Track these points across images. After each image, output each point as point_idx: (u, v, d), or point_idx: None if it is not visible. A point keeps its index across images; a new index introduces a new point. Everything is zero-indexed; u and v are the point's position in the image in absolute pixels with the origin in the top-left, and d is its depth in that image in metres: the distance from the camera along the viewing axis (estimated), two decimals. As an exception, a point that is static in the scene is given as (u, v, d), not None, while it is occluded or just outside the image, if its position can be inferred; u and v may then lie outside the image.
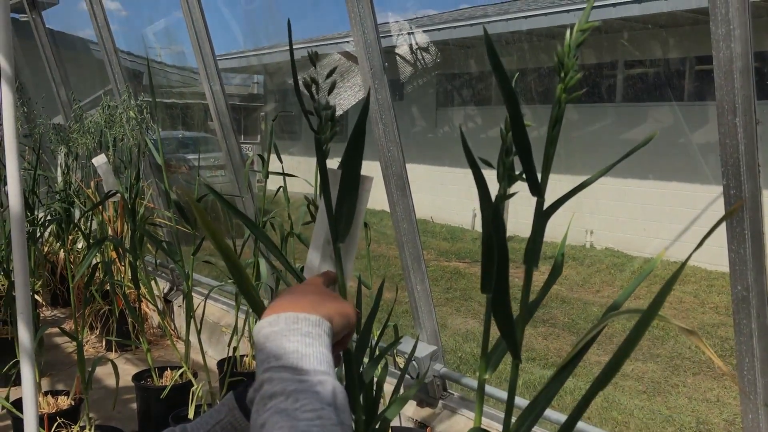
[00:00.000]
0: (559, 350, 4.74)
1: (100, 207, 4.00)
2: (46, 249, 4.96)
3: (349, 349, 0.93)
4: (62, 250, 4.77)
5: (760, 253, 1.67)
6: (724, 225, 1.72)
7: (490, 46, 0.64)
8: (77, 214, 4.01)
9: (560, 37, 0.67)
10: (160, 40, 7.10)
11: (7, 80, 1.90)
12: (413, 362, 2.74)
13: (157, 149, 2.92)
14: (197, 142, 7.86)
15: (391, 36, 8.63)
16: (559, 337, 5.08)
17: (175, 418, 2.80)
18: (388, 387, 2.01)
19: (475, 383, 2.54)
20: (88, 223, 4.14)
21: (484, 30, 0.66)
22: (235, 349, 3.10)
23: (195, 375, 3.05)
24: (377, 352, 1.37)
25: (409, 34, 9.13)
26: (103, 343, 4.20)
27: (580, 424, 2.35)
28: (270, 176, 2.82)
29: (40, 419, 2.38)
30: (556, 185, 0.71)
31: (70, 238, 4.65)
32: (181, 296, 4.29)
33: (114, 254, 4.06)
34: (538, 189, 0.69)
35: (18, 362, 2.22)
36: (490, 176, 0.72)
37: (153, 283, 3.56)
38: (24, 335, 1.97)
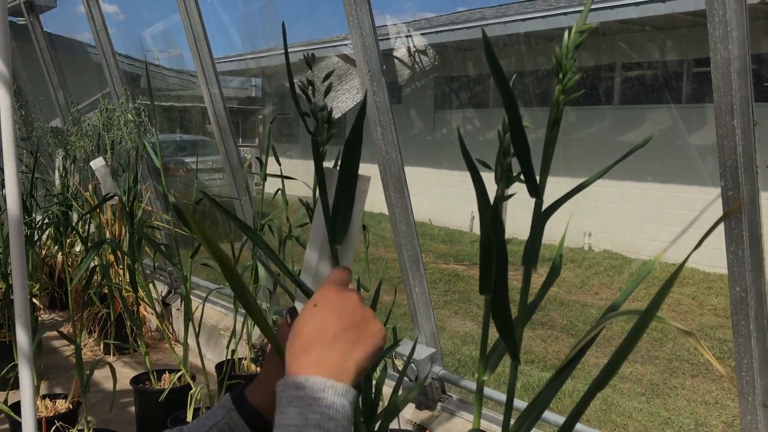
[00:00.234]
0: (557, 353, 4.74)
1: (98, 210, 3.99)
2: (44, 252, 4.96)
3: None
4: (60, 253, 4.77)
5: (758, 255, 1.67)
6: (722, 226, 1.72)
7: (488, 47, 0.64)
8: (75, 217, 4.01)
9: (558, 39, 0.67)
10: (158, 43, 7.10)
11: (4, 83, 1.90)
12: (412, 364, 2.74)
13: (155, 152, 2.92)
14: (195, 145, 7.86)
15: (389, 39, 8.64)
16: (558, 339, 5.08)
17: (173, 421, 2.80)
18: (387, 389, 2.01)
19: (473, 386, 2.54)
20: (86, 226, 4.14)
21: (482, 32, 0.66)
22: (233, 352, 3.10)
23: (193, 378, 3.04)
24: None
25: (407, 37, 9.14)
26: (102, 346, 4.19)
27: (580, 426, 2.35)
28: (268, 179, 2.83)
29: (39, 423, 2.37)
30: (555, 187, 0.72)
31: (68, 241, 4.65)
32: (180, 299, 4.29)
33: (112, 257, 4.06)
34: (536, 190, 0.69)
35: (16, 365, 2.21)
36: (489, 179, 0.72)
37: (151, 286, 3.56)
38: (22, 338, 1.96)
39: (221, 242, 5.04)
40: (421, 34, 9.26)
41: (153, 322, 4.35)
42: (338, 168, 0.83)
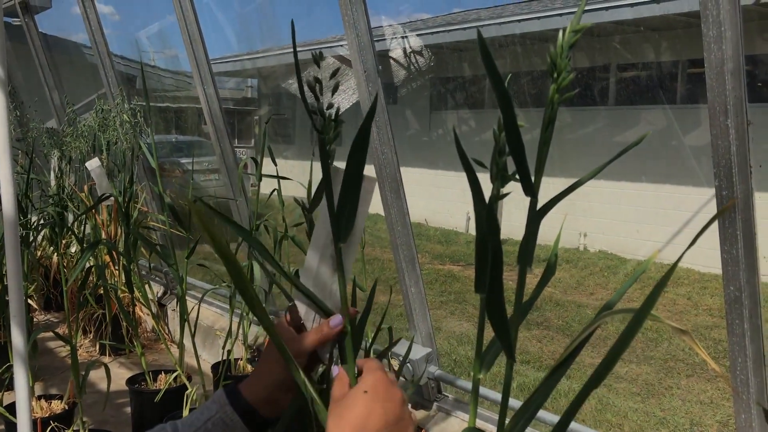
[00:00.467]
0: (553, 353, 4.75)
1: (94, 210, 3.99)
2: (39, 253, 4.95)
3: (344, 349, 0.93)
4: (55, 254, 4.76)
5: (752, 254, 1.68)
6: (716, 226, 1.73)
7: (482, 45, 0.64)
8: (71, 218, 4.00)
9: (553, 41, 0.68)
10: (153, 44, 7.10)
11: (0, 84, 1.89)
12: (408, 364, 2.74)
13: (151, 152, 2.92)
14: (191, 146, 7.86)
15: (384, 40, 8.65)
16: (553, 339, 5.09)
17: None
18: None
19: (469, 385, 2.54)
20: (82, 227, 4.13)
21: (478, 31, 0.66)
22: (229, 352, 3.10)
23: (189, 378, 3.04)
24: (372, 355, 1.38)
25: (402, 37, 9.15)
26: (97, 347, 4.18)
27: (576, 426, 2.36)
28: (264, 179, 2.83)
29: (34, 423, 2.37)
30: (550, 188, 0.72)
31: (64, 242, 4.64)
32: (175, 300, 4.28)
33: (108, 258, 4.05)
34: (531, 189, 0.70)
35: (11, 366, 2.21)
36: (484, 180, 0.73)
37: (147, 286, 3.56)
38: (17, 339, 1.96)
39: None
40: (417, 35, 9.27)
41: (149, 322, 4.35)
42: (344, 168, 0.83)
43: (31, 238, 4.03)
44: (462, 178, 0.74)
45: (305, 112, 0.85)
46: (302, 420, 1.60)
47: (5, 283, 2.92)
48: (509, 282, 0.73)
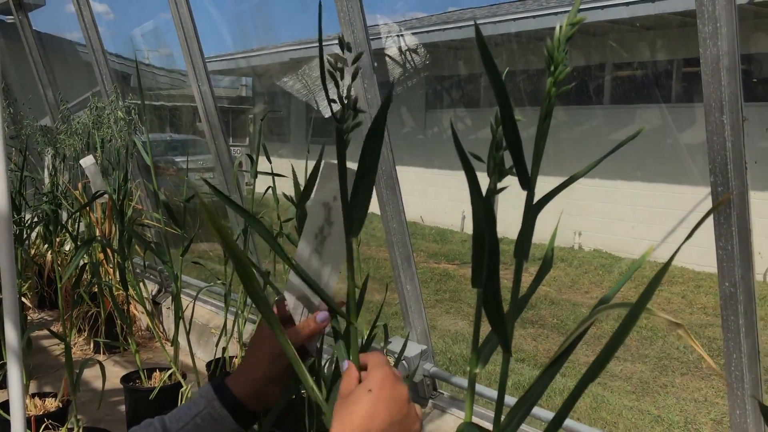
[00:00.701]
0: (548, 351, 4.75)
1: (88, 208, 3.97)
2: (33, 251, 4.93)
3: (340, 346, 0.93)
4: (49, 252, 4.75)
5: (747, 250, 1.68)
6: (712, 223, 1.73)
7: (480, 40, 0.64)
8: (65, 215, 3.99)
9: (549, 38, 0.68)
10: (148, 42, 7.07)
11: (-7, 80, 1.88)
12: (403, 361, 2.74)
13: (145, 150, 2.91)
14: (186, 144, 7.84)
15: (380, 38, 8.64)
16: (549, 338, 5.09)
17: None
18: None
19: (464, 383, 2.54)
20: (76, 225, 4.11)
21: (475, 25, 0.66)
22: (224, 350, 3.09)
23: (184, 376, 3.04)
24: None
25: (398, 36, 9.15)
26: (91, 345, 4.17)
27: (571, 422, 2.36)
28: (259, 177, 2.82)
29: (28, 421, 2.36)
30: (546, 186, 0.72)
31: (58, 239, 4.62)
32: (170, 298, 4.27)
33: (102, 256, 4.04)
34: (528, 183, 0.70)
35: (5, 364, 2.20)
36: (481, 177, 0.73)
37: (141, 284, 3.55)
38: (11, 336, 1.95)
39: (210, 241, 5.02)
40: (413, 34, 9.27)
41: (143, 320, 4.34)
42: (360, 159, 0.81)
43: (25, 236, 4.02)
44: (457, 176, 0.74)
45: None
46: (295, 412, 1.60)
47: (-1, 281, 2.91)
48: (505, 280, 0.73)
